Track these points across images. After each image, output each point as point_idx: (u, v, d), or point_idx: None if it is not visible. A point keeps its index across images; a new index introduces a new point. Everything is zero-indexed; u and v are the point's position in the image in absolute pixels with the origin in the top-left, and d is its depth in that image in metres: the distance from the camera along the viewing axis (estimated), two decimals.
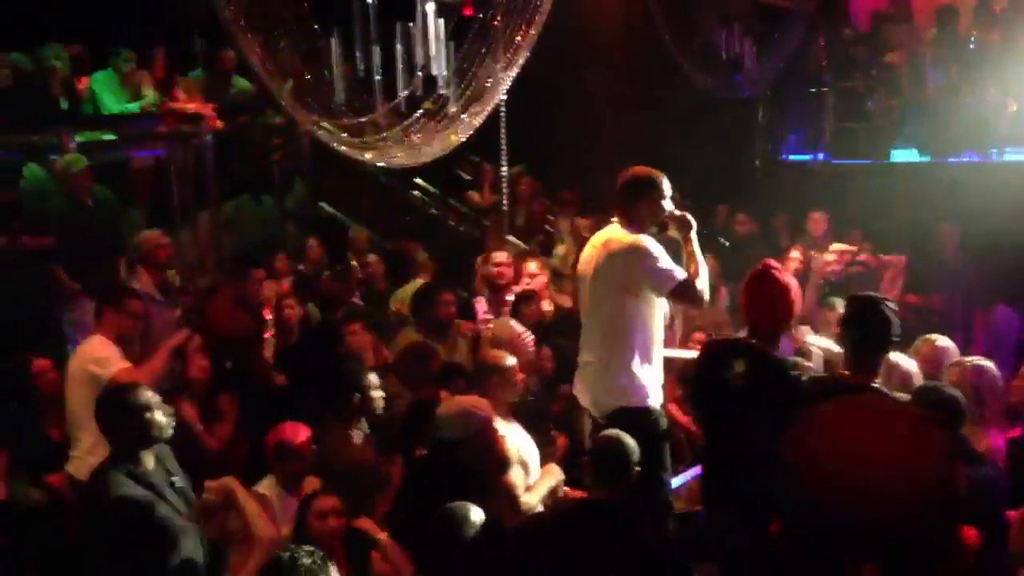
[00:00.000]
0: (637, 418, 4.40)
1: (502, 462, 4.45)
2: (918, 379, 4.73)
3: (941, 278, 7.63)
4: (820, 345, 5.65)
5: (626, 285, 4.46)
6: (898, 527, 1.85)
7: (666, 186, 4.59)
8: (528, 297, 6.45)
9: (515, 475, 4.54)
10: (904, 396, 4.53)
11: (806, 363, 5.83)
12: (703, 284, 4.51)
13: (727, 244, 8.76)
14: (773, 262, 4.27)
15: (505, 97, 5.39)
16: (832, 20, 10.68)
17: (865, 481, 1.87)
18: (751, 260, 4.89)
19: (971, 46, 9.85)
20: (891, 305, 4.06)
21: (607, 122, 10.14)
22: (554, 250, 9.04)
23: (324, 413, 4.98)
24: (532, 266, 7.36)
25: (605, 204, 9.52)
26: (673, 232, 4.65)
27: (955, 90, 9.85)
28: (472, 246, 8.71)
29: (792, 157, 10.90)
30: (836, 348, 5.07)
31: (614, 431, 3.96)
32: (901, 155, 10.24)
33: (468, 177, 10.34)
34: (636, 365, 4.49)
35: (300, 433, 4.48)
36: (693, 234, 4.60)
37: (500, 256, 6.76)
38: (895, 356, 4.65)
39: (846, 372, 4.09)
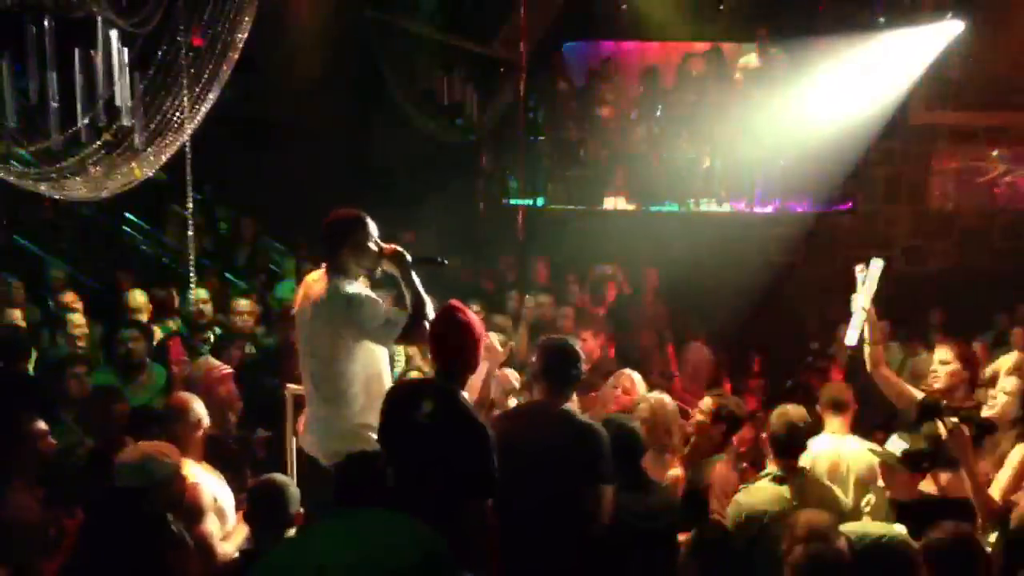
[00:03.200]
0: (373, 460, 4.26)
1: (193, 512, 4.26)
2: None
3: (643, 317, 8.18)
4: None
5: (340, 335, 4.33)
6: None
7: (369, 227, 4.40)
8: (234, 337, 6.29)
9: (211, 524, 4.36)
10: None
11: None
12: (430, 314, 4.37)
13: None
14: (457, 302, 4.34)
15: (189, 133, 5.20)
16: (548, 73, 11.26)
17: None
18: None
19: (657, 113, 10.74)
20: (578, 350, 4.35)
21: (332, 164, 10.11)
22: (274, 290, 8.90)
23: None
24: (243, 303, 7.21)
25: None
26: (389, 268, 4.49)
27: (656, 144, 10.67)
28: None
29: (513, 201, 11.33)
30: None
31: (278, 476, 3.92)
32: (611, 203, 10.92)
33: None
34: (361, 407, 4.40)
35: None
36: (408, 266, 4.44)
37: (201, 294, 6.52)
38: None
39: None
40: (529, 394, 5.26)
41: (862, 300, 5.08)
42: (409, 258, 4.47)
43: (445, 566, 1.88)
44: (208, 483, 4.46)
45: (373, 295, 4.41)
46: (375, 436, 4.31)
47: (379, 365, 4.52)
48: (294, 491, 3.94)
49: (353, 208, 4.47)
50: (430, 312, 4.41)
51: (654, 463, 4.98)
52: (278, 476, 4.17)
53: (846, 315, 5.16)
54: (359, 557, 1.86)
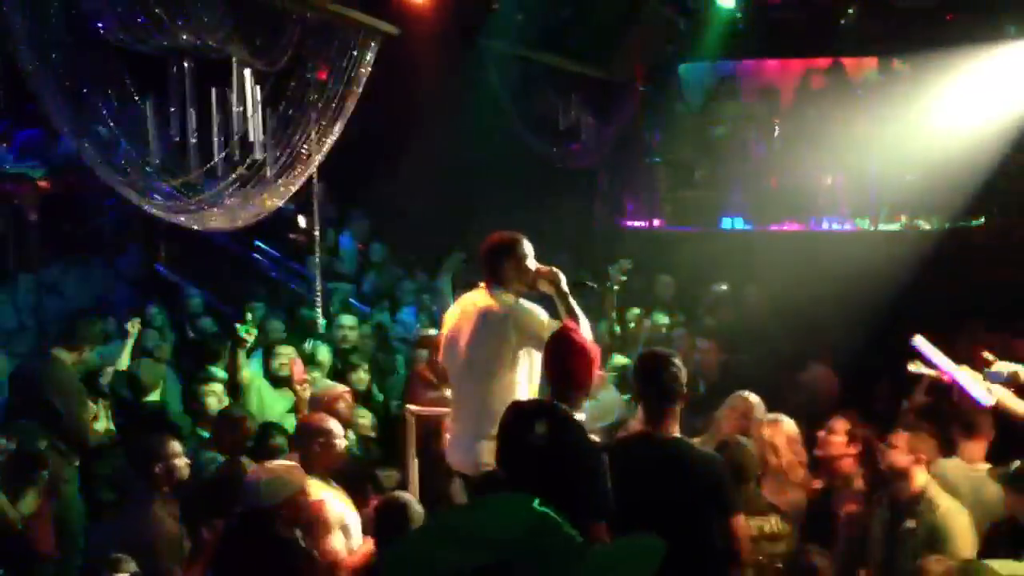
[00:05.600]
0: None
1: (319, 528, 4.41)
2: None
3: (753, 337, 8.03)
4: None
5: (505, 349, 4.46)
6: None
7: (527, 246, 4.60)
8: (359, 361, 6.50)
9: (336, 541, 4.50)
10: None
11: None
12: (586, 333, 4.45)
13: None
14: (572, 324, 4.39)
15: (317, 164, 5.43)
16: (665, 94, 11.23)
17: None
18: None
19: (775, 132, 10.53)
20: (678, 362, 4.17)
21: (449, 190, 10.34)
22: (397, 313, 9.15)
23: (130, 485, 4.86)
24: (367, 329, 7.45)
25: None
26: (544, 288, 4.64)
27: (775, 163, 10.50)
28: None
29: (630, 223, 11.29)
30: None
31: (402, 494, 4.01)
32: (729, 223, 10.79)
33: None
34: None
35: None
36: (564, 286, 4.58)
37: (348, 320, 6.76)
38: None
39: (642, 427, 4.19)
40: None
41: (949, 367, 4.92)
42: (563, 278, 4.59)
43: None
44: (334, 500, 4.61)
45: (537, 305, 4.55)
46: None
47: (531, 390, 4.58)
48: (417, 509, 4.04)
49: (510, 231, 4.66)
50: (585, 329, 4.47)
51: (772, 487, 4.90)
52: (402, 494, 4.29)
53: (980, 338, 4.98)
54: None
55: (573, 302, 4.58)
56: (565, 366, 4.15)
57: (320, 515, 4.40)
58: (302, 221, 8.80)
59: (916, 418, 5.42)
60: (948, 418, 5.38)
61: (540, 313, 4.51)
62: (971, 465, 5.02)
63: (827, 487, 5.20)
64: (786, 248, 10.10)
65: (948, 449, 5.03)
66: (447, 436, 4.83)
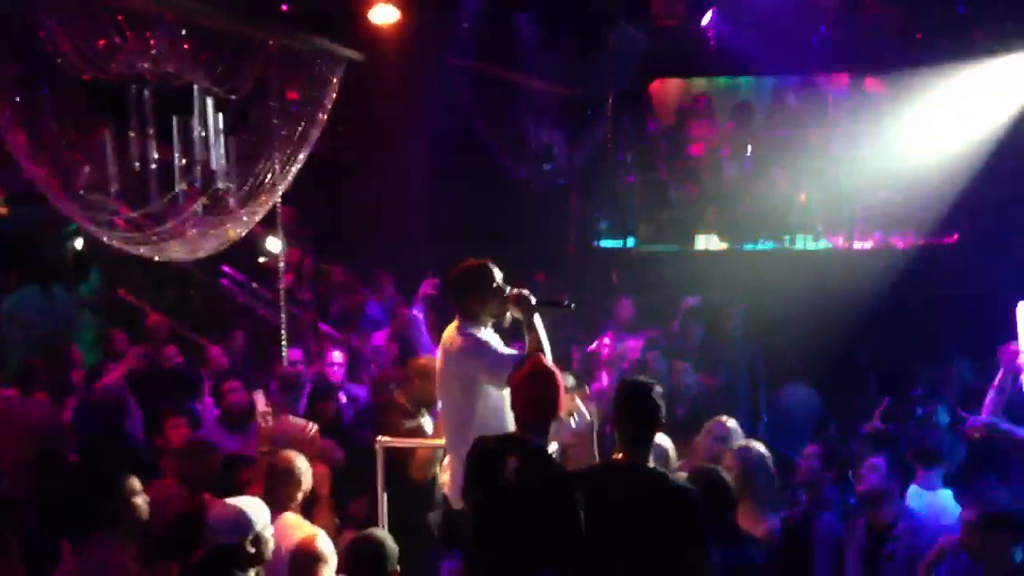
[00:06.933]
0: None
1: (315, 564, 4.28)
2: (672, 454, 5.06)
3: (728, 358, 7.96)
4: None
5: (465, 383, 4.46)
6: None
7: (495, 274, 4.50)
8: (325, 394, 6.37)
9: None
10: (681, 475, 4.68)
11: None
12: (548, 359, 4.35)
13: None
14: (541, 356, 4.31)
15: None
16: (637, 114, 11.20)
17: None
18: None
19: (747, 151, 10.53)
20: (659, 390, 4.08)
21: (420, 212, 10.25)
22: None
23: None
24: (336, 356, 7.32)
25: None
26: (515, 313, 4.52)
27: (749, 181, 10.49)
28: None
29: (603, 243, 11.24)
30: None
31: (377, 531, 3.91)
32: (703, 242, 10.76)
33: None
34: None
35: None
36: (532, 309, 4.47)
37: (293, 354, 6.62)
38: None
39: (619, 455, 4.10)
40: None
41: None
42: (533, 300, 4.48)
43: None
44: (323, 535, 4.47)
45: (498, 340, 4.51)
46: None
47: (502, 420, 4.50)
48: (392, 547, 3.94)
49: (477, 258, 4.56)
50: (548, 356, 4.38)
51: (747, 514, 4.82)
52: (376, 531, 4.18)
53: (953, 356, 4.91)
54: None
55: (540, 328, 4.46)
56: (537, 397, 4.08)
57: (313, 550, 4.18)
58: (270, 244, 8.67)
59: (873, 444, 5.40)
60: (905, 444, 5.36)
61: (492, 351, 4.43)
62: (929, 492, 4.97)
63: (804, 513, 5.14)
64: (762, 266, 10.08)
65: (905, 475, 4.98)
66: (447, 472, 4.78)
